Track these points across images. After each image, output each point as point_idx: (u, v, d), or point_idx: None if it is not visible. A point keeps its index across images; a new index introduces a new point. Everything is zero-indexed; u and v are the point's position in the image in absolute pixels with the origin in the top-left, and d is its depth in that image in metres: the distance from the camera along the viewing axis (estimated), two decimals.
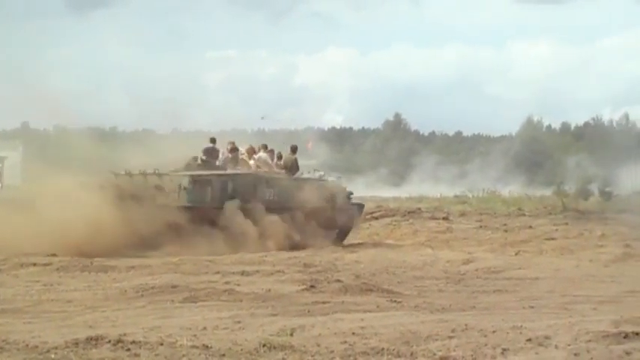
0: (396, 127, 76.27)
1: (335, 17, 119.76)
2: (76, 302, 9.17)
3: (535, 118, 73.57)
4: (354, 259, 14.93)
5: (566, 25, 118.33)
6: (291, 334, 6.90)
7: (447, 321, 7.56)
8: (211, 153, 18.53)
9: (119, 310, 8.50)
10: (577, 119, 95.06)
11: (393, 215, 26.81)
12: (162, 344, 6.29)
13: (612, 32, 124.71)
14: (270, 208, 17.63)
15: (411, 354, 6.21)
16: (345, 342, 6.54)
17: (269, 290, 10.10)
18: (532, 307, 9.20)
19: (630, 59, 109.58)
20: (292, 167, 19.43)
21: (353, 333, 6.90)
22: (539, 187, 43.22)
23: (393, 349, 6.31)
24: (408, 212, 27.35)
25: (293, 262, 14.08)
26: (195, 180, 17.19)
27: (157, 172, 17.12)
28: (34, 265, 12.93)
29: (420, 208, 28.71)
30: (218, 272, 12.17)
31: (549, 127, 75.50)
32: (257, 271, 12.30)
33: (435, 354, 6.20)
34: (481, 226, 23.81)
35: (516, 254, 16.67)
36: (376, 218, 25.69)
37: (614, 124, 71.49)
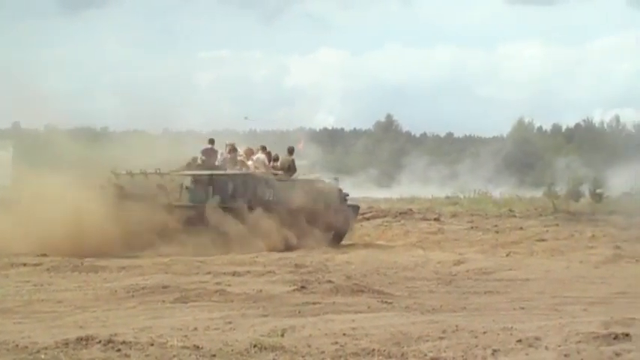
0: (388, 128, 76.22)
1: (327, 18, 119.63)
2: (67, 302, 9.16)
3: (526, 120, 73.69)
4: (345, 260, 14.94)
5: (557, 26, 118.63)
6: (282, 335, 6.90)
7: (438, 322, 7.57)
8: (210, 154, 18.57)
9: (110, 311, 8.49)
10: (568, 121, 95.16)
11: (385, 216, 26.80)
12: (152, 345, 6.28)
13: (604, 34, 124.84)
14: (269, 209, 17.67)
15: (402, 355, 6.22)
16: (336, 343, 6.55)
17: (260, 291, 10.11)
18: (522, 308, 9.23)
19: (621, 61, 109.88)
20: (290, 168, 19.46)
21: (344, 334, 6.90)
22: (529, 188, 43.22)
23: (384, 350, 6.31)
24: (400, 213, 27.34)
25: (284, 262, 14.09)
26: (196, 180, 17.26)
27: (158, 171, 17.18)
28: (25, 265, 12.92)
29: (411, 209, 28.69)
30: (209, 273, 12.17)
31: (540, 128, 75.63)
32: (248, 272, 12.30)
33: (425, 355, 6.21)
34: (472, 227, 23.83)
35: (507, 255, 16.69)
36: (367, 219, 25.67)
37: (605, 125, 71.73)
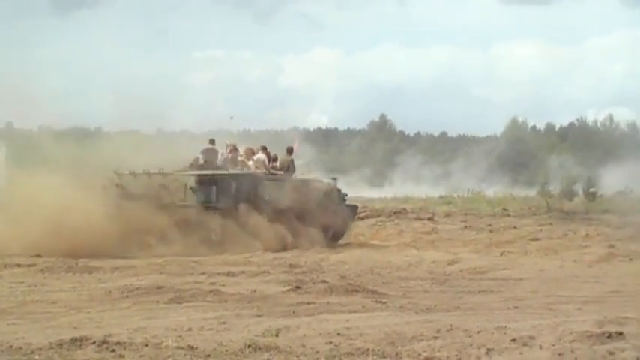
0: (382, 127, 76.24)
1: (321, 18, 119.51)
2: (61, 303, 9.14)
3: (520, 119, 73.80)
4: (339, 260, 14.95)
5: (551, 26, 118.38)
6: (277, 335, 6.91)
7: (432, 321, 7.58)
8: (211, 154, 18.58)
9: (104, 311, 8.48)
10: (562, 120, 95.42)
11: (379, 216, 26.81)
12: (147, 345, 6.28)
13: (597, 34, 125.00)
14: (270, 210, 17.68)
15: (396, 354, 6.23)
16: (331, 342, 6.56)
17: (254, 291, 10.11)
18: (516, 307, 9.24)
19: (615, 61, 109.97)
20: (289, 169, 19.48)
21: (338, 333, 6.91)
22: (523, 187, 43.26)
23: (379, 350, 6.32)
24: (394, 213, 27.35)
25: (278, 262, 14.09)
26: (201, 180, 17.27)
27: (161, 171, 17.19)
28: (19, 265, 12.89)
29: (405, 209, 28.71)
30: (203, 273, 12.17)
31: (534, 127, 75.65)
32: (242, 272, 12.30)
33: (420, 354, 6.22)
34: (466, 227, 23.85)
35: (501, 255, 16.72)
36: (361, 219, 25.63)
37: (599, 124, 71.77)
